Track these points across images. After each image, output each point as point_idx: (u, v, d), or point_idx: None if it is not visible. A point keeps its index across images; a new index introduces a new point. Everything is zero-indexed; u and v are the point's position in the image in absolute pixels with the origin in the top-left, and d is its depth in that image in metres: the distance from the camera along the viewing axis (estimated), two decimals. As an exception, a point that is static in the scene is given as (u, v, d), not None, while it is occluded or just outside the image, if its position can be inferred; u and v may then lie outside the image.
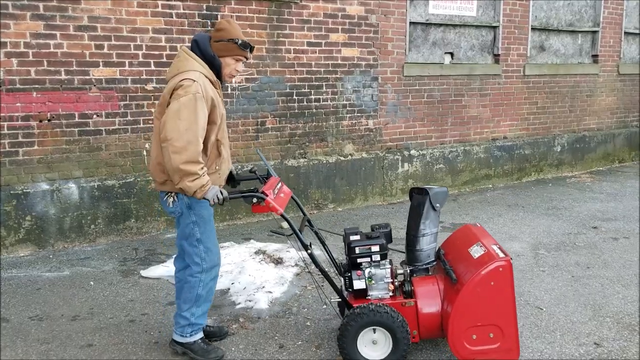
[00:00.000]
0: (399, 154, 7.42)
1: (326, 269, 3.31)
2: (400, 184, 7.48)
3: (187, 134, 2.92)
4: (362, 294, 3.26)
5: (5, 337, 3.59)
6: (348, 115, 7.02)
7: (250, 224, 6.24)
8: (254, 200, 3.12)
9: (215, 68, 3.16)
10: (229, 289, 4.30)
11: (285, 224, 6.23)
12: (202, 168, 2.98)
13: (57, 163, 5.41)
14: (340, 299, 3.31)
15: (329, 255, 3.51)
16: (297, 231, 3.22)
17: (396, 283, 3.32)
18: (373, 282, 3.23)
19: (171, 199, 3.18)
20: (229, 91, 6.15)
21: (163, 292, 4.32)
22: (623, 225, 6.11)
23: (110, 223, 5.69)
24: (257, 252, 4.90)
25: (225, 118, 3.27)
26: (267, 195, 3.11)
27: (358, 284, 3.25)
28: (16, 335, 3.61)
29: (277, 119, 6.55)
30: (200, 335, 3.38)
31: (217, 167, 3.20)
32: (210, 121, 3.08)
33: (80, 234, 5.53)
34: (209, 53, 3.12)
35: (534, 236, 5.77)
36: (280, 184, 3.39)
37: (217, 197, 3.02)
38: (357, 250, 3.23)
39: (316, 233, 3.58)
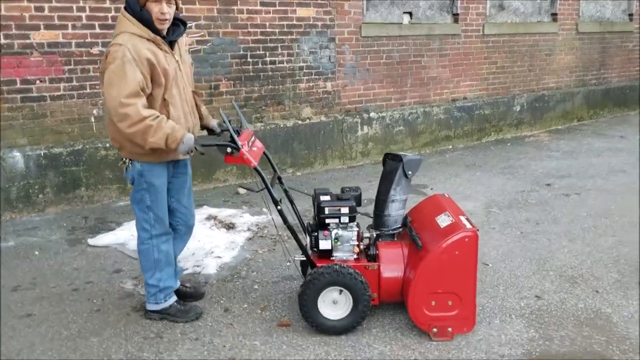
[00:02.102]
0: (358, 116, 7.37)
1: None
2: (360, 147, 7.45)
3: (120, 99, 2.85)
4: (327, 254, 3.26)
5: (-58, 309, 3.50)
6: (305, 77, 6.91)
7: (207, 191, 6.16)
8: (228, 150, 3.06)
9: (148, 22, 3.00)
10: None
11: (242, 190, 6.20)
12: (155, 118, 2.89)
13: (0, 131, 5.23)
14: (304, 258, 3.29)
15: (296, 213, 3.48)
16: (269, 186, 3.16)
17: (361, 246, 3.32)
18: (339, 243, 3.23)
19: (125, 165, 3.15)
20: (180, 54, 5.98)
21: (110, 260, 4.24)
22: (576, 182, 6.20)
23: (60, 192, 5.55)
24: (208, 218, 4.85)
25: (175, 75, 3.09)
26: (242, 147, 3.05)
27: (324, 244, 3.24)
28: (-46, 308, 3.53)
29: (232, 82, 6.41)
30: (175, 298, 3.37)
31: None
32: (154, 82, 2.98)
33: (28, 204, 5.39)
34: (137, 9, 2.98)
35: (488, 195, 5.83)
36: (253, 138, 3.33)
37: (191, 151, 3.00)
38: (326, 210, 3.22)
39: (285, 191, 3.53)
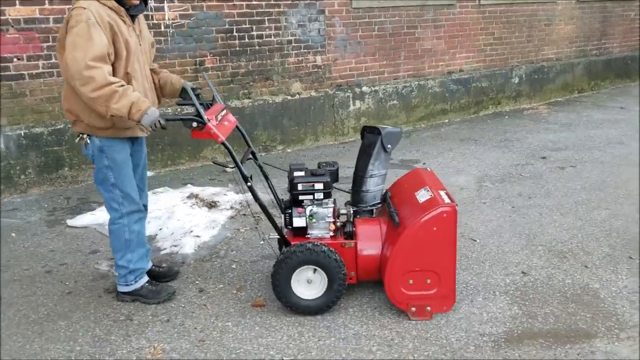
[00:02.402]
0: (349, 91, 7.19)
1: (267, 206, 3.14)
2: (352, 122, 7.28)
3: (87, 61, 2.70)
4: (302, 232, 3.15)
5: None
6: (294, 51, 6.72)
7: (193, 169, 6.03)
8: (194, 124, 2.91)
9: None
10: (156, 235, 4.14)
11: (229, 168, 6.05)
12: (121, 85, 2.76)
13: (-22, 111, 5.10)
14: (279, 236, 3.17)
15: (271, 190, 3.36)
16: (239, 162, 3.03)
17: (338, 223, 3.20)
18: (314, 220, 3.11)
19: (83, 141, 3.01)
20: (162, 29, 5.81)
21: (88, 241, 4.14)
22: (572, 155, 6.03)
23: (42, 172, 5.43)
24: (190, 197, 4.72)
25: (136, 50, 2.97)
26: (208, 121, 2.90)
27: (298, 222, 3.13)
28: None
29: (217, 57, 6.23)
30: (146, 279, 3.27)
31: None
32: (115, 52, 2.84)
33: (9, 185, 5.28)
34: None
35: (481, 169, 5.67)
36: (224, 111, 3.19)
37: (155, 125, 2.83)
38: (299, 186, 3.09)
39: (260, 167, 3.40)
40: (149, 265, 3.37)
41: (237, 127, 3.33)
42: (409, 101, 7.71)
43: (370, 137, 3.27)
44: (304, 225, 3.13)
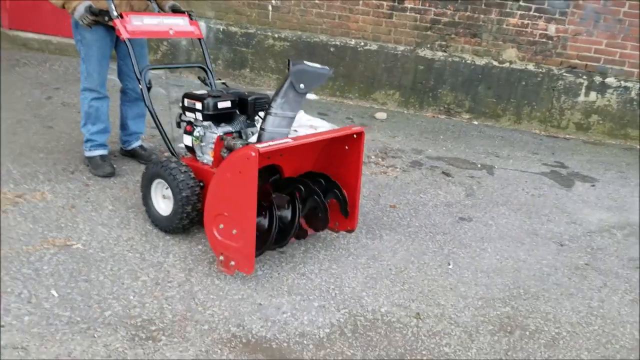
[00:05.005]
0: (585, 77, 5.71)
1: None
2: (576, 117, 5.83)
3: None
4: (194, 152, 3.08)
5: None
6: (519, 11, 5.66)
7: (354, 108, 5.91)
8: (106, 18, 3.07)
9: None
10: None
11: (380, 115, 5.71)
12: None
13: (193, 0, 6.05)
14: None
15: None
16: (135, 61, 3.03)
17: (224, 153, 2.98)
18: (202, 143, 3.00)
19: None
20: (366, -43, 5.68)
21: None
22: None
23: (228, 67, 6.20)
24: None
25: None
26: (120, 16, 3.02)
27: (186, 139, 3.07)
28: None
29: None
30: (101, 152, 3.56)
31: None
32: None
33: (200, 69, 6.21)
34: None
35: (652, 217, 3.96)
36: (185, 20, 3.29)
37: (85, 19, 3.08)
38: (185, 102, 3.01)
39: (210, 85, 3.39)
40: (111, 140, 3.66)
41: (200, 41, 3.40)
42: (680, 115, 5.67)
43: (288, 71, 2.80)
44: (190, 144, 2.98)
